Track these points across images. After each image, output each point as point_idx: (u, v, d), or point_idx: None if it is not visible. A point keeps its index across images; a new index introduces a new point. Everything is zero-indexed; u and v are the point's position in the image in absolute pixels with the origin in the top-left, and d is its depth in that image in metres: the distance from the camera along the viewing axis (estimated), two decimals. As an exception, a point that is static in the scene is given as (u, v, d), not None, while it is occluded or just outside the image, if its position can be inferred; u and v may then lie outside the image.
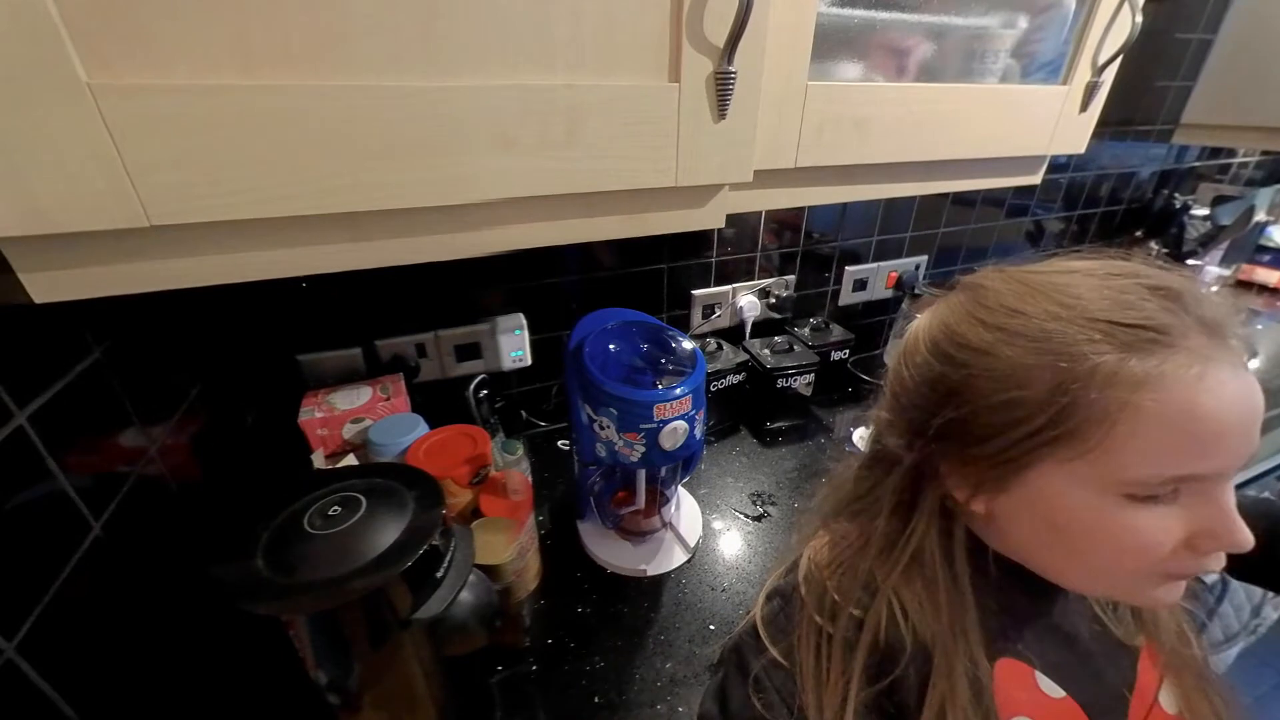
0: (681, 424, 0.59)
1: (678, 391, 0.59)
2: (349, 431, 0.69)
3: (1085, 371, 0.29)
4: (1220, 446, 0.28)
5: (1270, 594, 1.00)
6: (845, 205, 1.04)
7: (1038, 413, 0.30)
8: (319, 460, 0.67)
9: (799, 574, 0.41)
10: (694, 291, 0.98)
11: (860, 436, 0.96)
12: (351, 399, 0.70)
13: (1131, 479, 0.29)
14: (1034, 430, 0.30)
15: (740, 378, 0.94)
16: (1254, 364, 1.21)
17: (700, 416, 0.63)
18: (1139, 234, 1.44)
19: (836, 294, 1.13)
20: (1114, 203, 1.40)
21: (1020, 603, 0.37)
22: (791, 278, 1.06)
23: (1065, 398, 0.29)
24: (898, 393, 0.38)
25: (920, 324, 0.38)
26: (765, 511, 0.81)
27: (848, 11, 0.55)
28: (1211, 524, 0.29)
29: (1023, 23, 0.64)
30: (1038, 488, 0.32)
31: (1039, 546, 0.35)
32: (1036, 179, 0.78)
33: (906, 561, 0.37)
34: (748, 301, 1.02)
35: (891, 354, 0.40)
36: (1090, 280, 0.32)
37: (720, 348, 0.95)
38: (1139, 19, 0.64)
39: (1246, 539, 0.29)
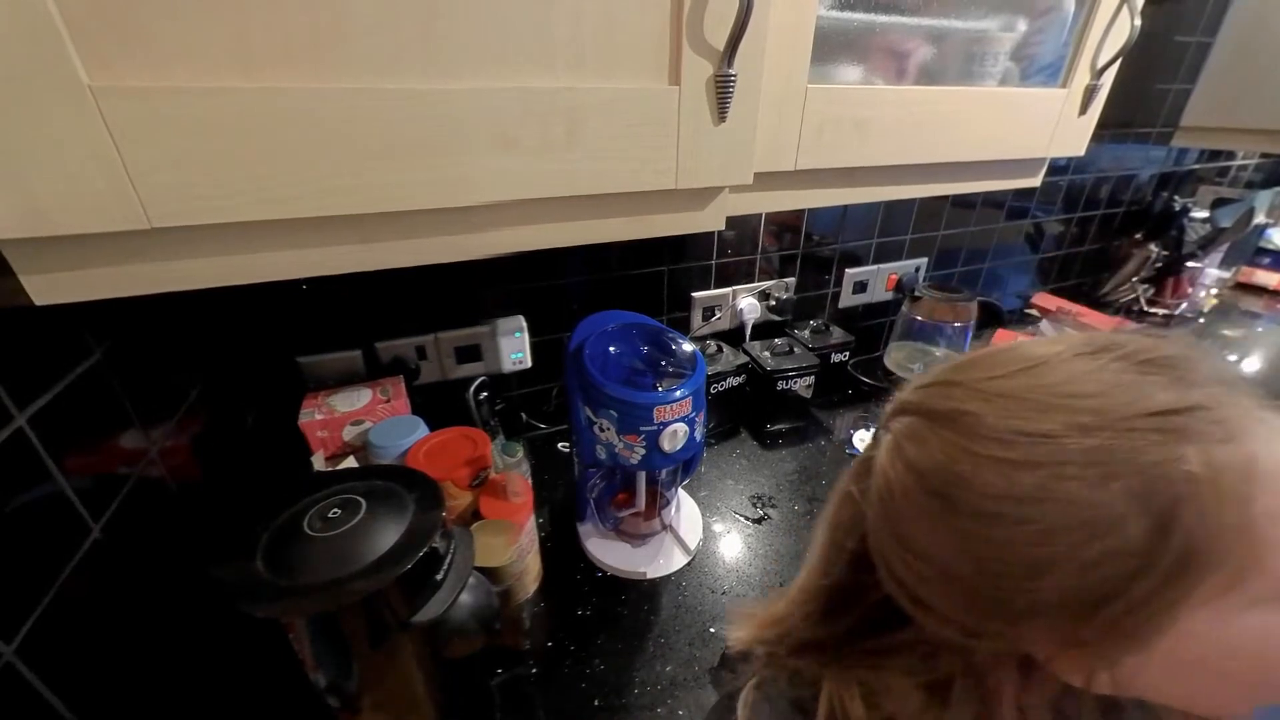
0: (682, 426, 0.59)
1: (678, 394, 0.59)
2: (349, 433, 0.69)
3: (1178, 481, 0.24)
4: None
5: None
6: (845, 207, 1.04)
7: (1153, 558, 0.24)
8: (319, 462, 0.67)
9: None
10: (694, 294, 0.98)
11: (860, 439, 0.96)
12: (351, 401, 0.70)
13: None
14: (1160, 581, 0.24)
15: (740, 380, 0.94)
16: (1252, 367, 1.21)
17: (700, 418, 0.63)
18: (1139, 236, 1.44)
19: (837, 296, 1.13)
20: (1114, 205, 1.40)
21: None
22: (792, 280, 1.06)
23: (1175, 528, 0.24)
24: (910, 569, 0.30)
25: (893, 480, 0.30)
26: (765, 514, 0.81)
27: (847, 14, 0.55)
28: None
29: (1022, 26, 0.65)
30: (1186, 639, 0.25)
31: (1190, 695, 0.28)
32: (1036, 181, 0.78)
33: None
34: (748, 304, 1.02)
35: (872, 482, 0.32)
36: (1076, 368, 0.28)
37: (720, 350, 0.95)
38: (1138, 22, 0.65)
39: None
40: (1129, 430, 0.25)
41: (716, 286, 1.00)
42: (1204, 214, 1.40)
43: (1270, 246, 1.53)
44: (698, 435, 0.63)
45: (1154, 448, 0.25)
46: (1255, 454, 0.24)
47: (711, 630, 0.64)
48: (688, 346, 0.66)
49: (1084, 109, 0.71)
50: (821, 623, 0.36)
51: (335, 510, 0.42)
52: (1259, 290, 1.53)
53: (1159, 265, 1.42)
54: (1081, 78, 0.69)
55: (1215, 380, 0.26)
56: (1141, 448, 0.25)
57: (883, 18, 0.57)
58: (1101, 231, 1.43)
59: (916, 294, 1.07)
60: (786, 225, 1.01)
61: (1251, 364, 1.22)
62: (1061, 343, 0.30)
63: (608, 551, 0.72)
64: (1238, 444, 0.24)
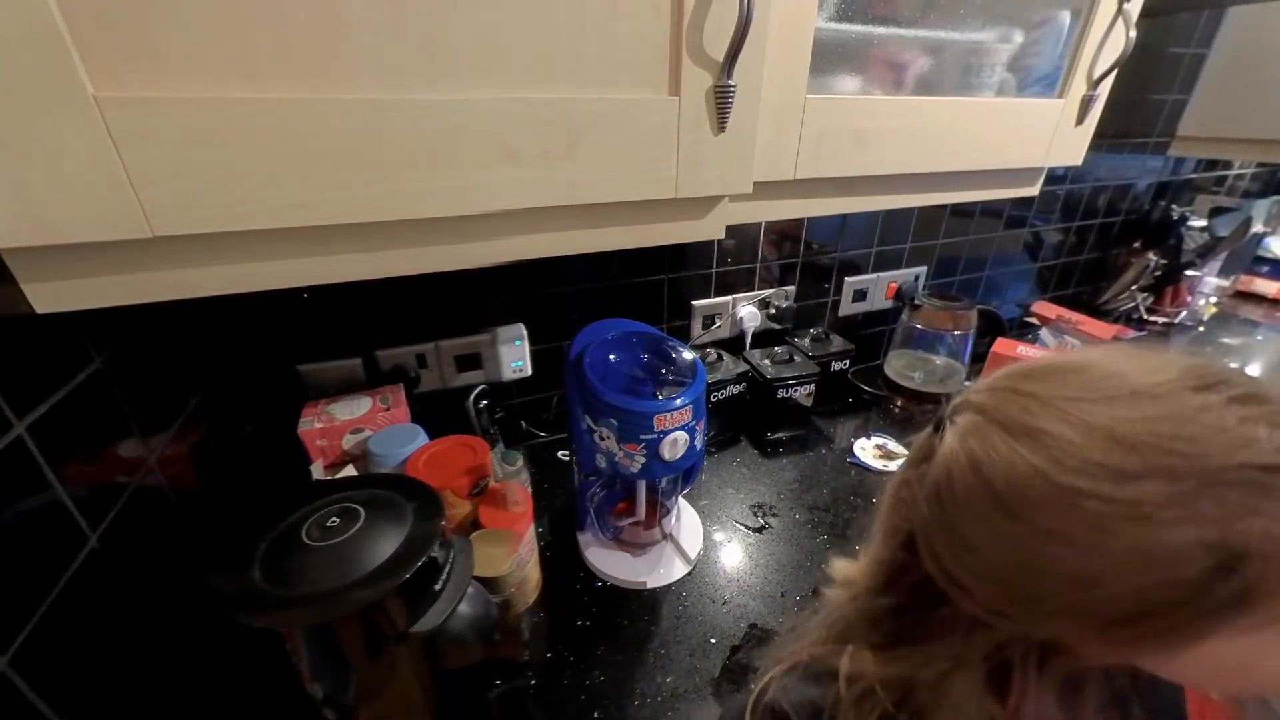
0: (682, 434, 0.59)
1: (678, 402, 0.59)
2: (348, 442, 0.69)
3: (1255, 537, 0.24)
4: None
5: None
6: (845, 216, 1.05)
7: (1207, 594, 0.24)
8: (318, 471, 0.66)
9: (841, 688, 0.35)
10: (694, 302, 0.99)
11: (861, 448, 0.96)
12: (351, 409, 0.70)
13: None
14: (1206, 613, 0.25)
15: (741, 388, 0.94)
16: (1253, 375, 1.20)
17: (700, 427, 0.63)
18: (1137, 245, 1.45)
19: (836, 304, 1.14)
20: (1112, 214, 1.40)
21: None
22: (791, 288, 1.06)
23: (1238, 576, 0.24)
24: (953, 554, 0.31)
25: (955, 474, 0.30)
26: (766, 523, 0.81)
27: (845, 26, 0.56)
28: None
29: (1018, 37, 0.65)
30: (1212, 658, 0.26)
31: (1202, 682, 0.31)
32: (1034, 190, 0.78)
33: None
34: (748, 312, 1.02)
35: (923, 481, 0.32)
36: (1181, 406, 0.26)
37: (720, 358, 0.95)
38: (1133, 34, 0.65)
39: None
40: (1218, 484, 0.25)
41: (716, 295, 1.00)
42: (1202, 223, 1.40)
43: (1268, 255, 1.53)
44: (698, 444, 0.63)
45: (1239, 501, 0.24)
46: None
47: (712, 640, 0.63)
48: (688, 355, 0.66)
49: (1081, 119, 0.72)
50: (880, 594, 0.37)
51: (334, 519, 0.42)
52: (1258, 298, 1.54)
53: (1158, 274, 1.42)
54: (1078, 88, 0.69)
55: None
56: (1227, 500, 0.24)
57: (880, 29, 0.58)
58: (1100, 240, 1.43)
59: (916, 302, 1.07)
60: (786, 234, 1.02)
61: (1251, 373, 1.22)
62: (1168, 369, 0.28)
63: (608, 561, 0.72)
64: None
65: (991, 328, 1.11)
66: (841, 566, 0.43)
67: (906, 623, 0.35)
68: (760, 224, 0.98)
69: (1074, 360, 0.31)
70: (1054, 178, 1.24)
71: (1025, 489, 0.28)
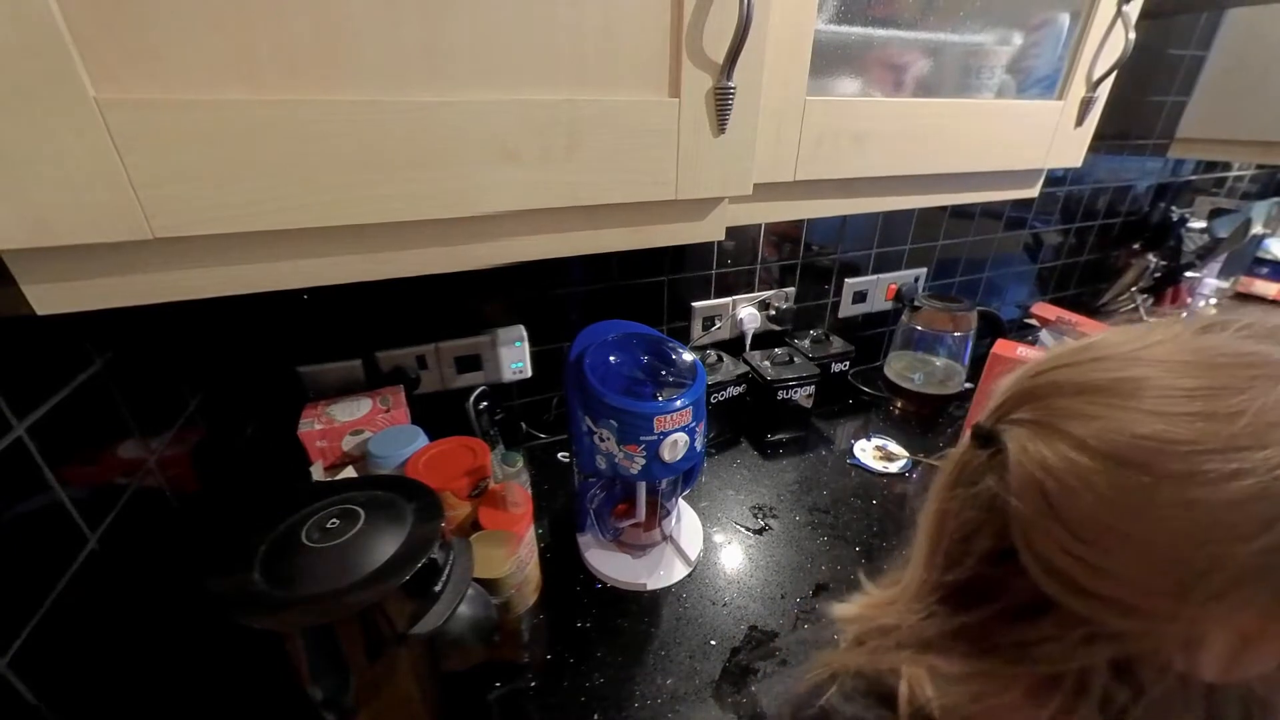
0: (682, 436, 0.59)
1: (678, 403, 0.59)
2: (348, 443, 0.69)
3: None
4: None
5: None
6: (845, 218, 1.05)
7: None
8: (318, 472, 0.66)
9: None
10: (694, 303, 0.99)
11: (861, 449, 0.96)
12: (351, 410, 0.70)
13: None
14: None
15: (741, 390, 0.94)
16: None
17: (701, 428, 0.63)
18: (1137, 246, 1.45)
19: (836, 306, 1.14)
20: (1111, 215, 1.40)
21: None
22: (791, 290, 1.06)
23: None
24: (1080, 560, 0.27)
25: (1060, 468, 0.28)
26: (766, 524, 0.81)
27: (845, 28, 0.56)
28: None
29: (1018, 39, 0.65)
30: None
31: None
32: (1034, 192, 0.78)
33: None
34: (748, 313, 1.02)
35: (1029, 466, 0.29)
36: (1208, 340, 0.28)
37: (720, 360, 0.95)
38: (1132, 35, 0.65)
39: None
40: None
41: (716, 296, 1.00)
42: (1201, 224, 1.40)
43: (1268, 256, 1.53)
44: (698, 445, 0.63)
45: None
46: None
47: (712, 642, 0.63)
48: (688, 356, 0.66)
49: (1080, 121, 0.72)
50: (952, 615, 0.35)
51: (333, 521, 0.42)
52: (1258, 300, 1.53)
53: (1157, 275, 1.42)
54: (1077, 90, 0.70)
55: None
56: None
57: (880, 31, 0.58)
58: (1100, 242, 1.43)
59: (916, 304, 1.07)
60: (786, 235, 1.02)
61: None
62: (1170, 325, 0.30)
63: (608, 562, 0.72)
64: None
65: (991, 329, 1.11)
66: (866, 602, 0.41)
67: (991, 640, 0.32)
68: (760, 225, 0.98)
69: (1085, 343, 0.31)
70: (1053, 179, 1.24)
71: (1145, 435, 0.26)
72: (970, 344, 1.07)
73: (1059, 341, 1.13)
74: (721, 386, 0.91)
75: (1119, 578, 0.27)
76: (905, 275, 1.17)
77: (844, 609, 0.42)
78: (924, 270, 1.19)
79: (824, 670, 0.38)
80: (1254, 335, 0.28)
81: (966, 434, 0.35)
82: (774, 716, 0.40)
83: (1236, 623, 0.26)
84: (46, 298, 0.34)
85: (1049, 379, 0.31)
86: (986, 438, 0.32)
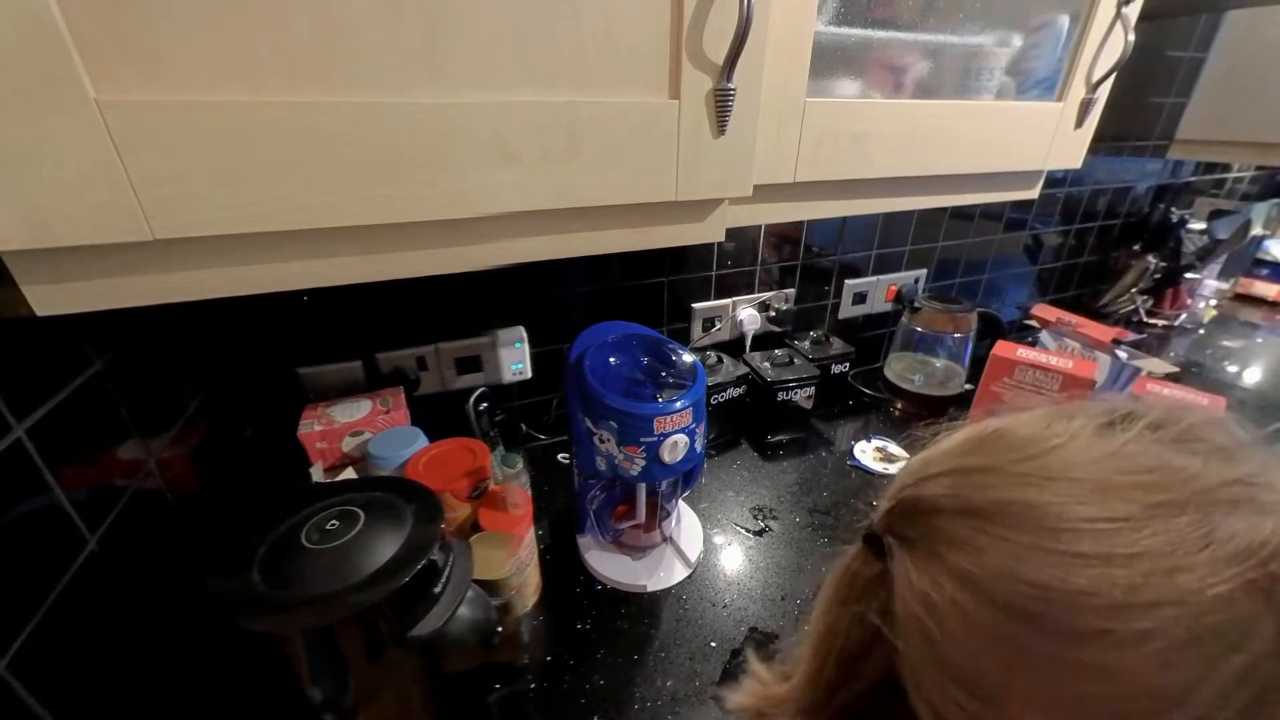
0: (682, 437, 0.59)
1: (678, 405, 0.59)
2: (348, 444, 0.69)
3: None
4: None
5: None
6: (844, 219, 1.05)
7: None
8: (318, 473, 0.66)
9: None
10: (694, 305, 0.99)
11: (861, 450, 0.96)
12: (351, 412, 0.70)
13: None
14: None
15: (741, 391, 0.94)
16: (1254, 378, 1.21)
17: (701, 430, 0.63)
18: (1137, 248, 1.45)
19: (836, 307, 1.14)
20: (1111, 216, 1.41)
21: None
22: (791, 291, 1.06)
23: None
24: (971, 716, 0.24)
25: (942, 605, 0.24)
26: (766, 526, 0.80)
27: (845, 30, 0.56)
28: None
29: (1017, 41, 0.65)
30: None
31: None
32: (1034, 193, 0.78)
33: None
34: (748, 315, 1.02)
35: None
36: (1112, 444, 0.24)
37: (720, 361, 0.95)
38: (1132, 37, 0.65)
39: None
40: (1215, 502, 0.21)
41: (716, 297, 1.00)
42: (1201, 226, 1.40)
43: (1268, 258, 1.53)
44: (698, 446, 0.63)
45: (1245, 519, 0.21)
46: None
47: (712, 644, 0.63)
48: (688, 357, 0.66)
49: (1080, 122, 0.72)
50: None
51: (333, 522, 0.42)
52: (1258, 301, 1.54)
53: (1157, 276, 1.42)
54: (1077, 91, 0.70)
55: (1249, 446, 0.23)
56: (1234, 521, 0.21)
57: (880, 33, 0.58)
58: (1099, 243, 1.43)
59: (916, 305, 1.07)
60: (786, 237, 1.02)
61: (1252, 375, 1.22)
62: (1072, 417, 0.26)
63: (608, 564, 0.72)
64: None
65: (991, 330, 1.11)
66: (755, 690, 0.37)
67: None
68: (760, 227, 0.98)
69: (979, 429, 0.28)
70: (1053, 180, 1.24)
71: (1035, 583, 0.22)
72: (970, 345, 1.07)
73: (1060, 344, 1.13)
74: (721, 388, 0.91)
75: None
76: (905, 276, 1.17)
77: (738, 698, 0.38)
78: (924, 271, 1.19)
79: None
80: (1160, 440, 0.24)
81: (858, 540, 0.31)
82: None
83: None
84: (46, 299, 0.34)
85: (934, 492, 0.27)
86: (876, 546, 0.29)
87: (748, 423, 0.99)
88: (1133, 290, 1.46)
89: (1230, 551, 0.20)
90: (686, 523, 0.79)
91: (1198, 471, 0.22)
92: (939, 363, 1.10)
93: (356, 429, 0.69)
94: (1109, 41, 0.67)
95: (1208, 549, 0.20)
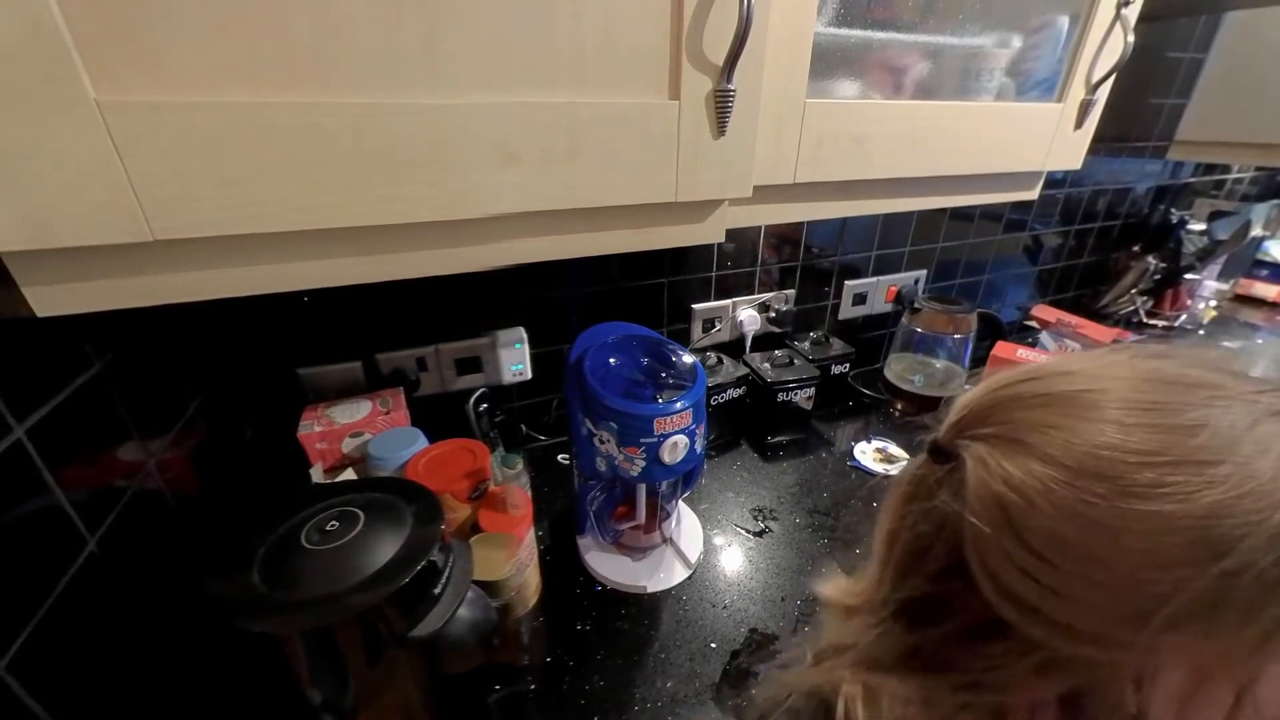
0: (682, 438, 0.59)
1: (678, 405, 0.59)
2: (348, 445, 0.69)
3: None
4: None
5: None
6: (844, 220, 1.05)
7: None
8: (318, 474, 0.66)
9: None
10: (694, 305, 0.99)
11: (862, 451, 0.96)
12: (351, 412, 0.70)
13: None
14: None
15: (741, 392, 0.94)
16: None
17: (701, 430, 0.63)
18: (1136, 248, 1.45)
19: (836, 308, 1.14)
20: (1111, 217, 1.41)
21: None
22: (791, 292, 1.06)
23: None
24: (1035, 581, 0.27)
25: (1021, 482, 0.27)
26: (767, 527, 0.80)
27: (844, 31, 0.56)
28: None
29: (1017, 42, 0.65)
30: None
31: None
32: (1033, 194, 0.78)
33: None
34: (748, 315, 1.02)
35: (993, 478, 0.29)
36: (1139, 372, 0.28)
37: (720, 361, 0.95)
38: (1131, 39, 0.65)
39: None
40: (1258, 393, 0.25)
41: (716, 298, 1.00)
42: (1201, 226, 1.40)
43: (1267, 259, 1.53)
44: (698, 447, 0.63)
45: None
46: None
47: (712, 645, 0.63)
48: (688, 358, 0.66)
49: (1079, 123, 0.72)
50: (905, 634, 0.34)
51: (333, 523, 0.42)
52: (1258, 302, 1.54)
53: (1157, 277, 1.42)
54: (1076, 92, 0.70)
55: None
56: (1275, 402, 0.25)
57: (879, 34, 0.58)
58: (1099, 244, 1.43)
59: (916, 306, 1.07)
60: (786, 237, 1.02)
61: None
62: (1119, 351, 0.30)
63: (607, 565, 0.72)
64: None
65: (991, 331, 1.11)
66: (839, 588, 0.41)
67: (943, 663, 0.32)
68: (760, 227, 0.99)
69: (1040, 363, 0.32)
70: (1053, 181, 1.24)
71: (1106, 445, 0.25)
72: (970, 346, 1.07)
73: (1060, 345, 1.13)
74: (721, 389, 0.91)
75: (1076, 601, 0.26)
76: (905, 277, 1.17)
77: (825, 590, 0.42)
78: (924, 272, 1.19)
79: (781, 690, 0.38)
80: (1200, 366, 0.28)
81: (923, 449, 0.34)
82: None
83: (1193, 656, 0.25)
84: (46, 299, 0.34)
85: (1010, 392, 0.31)
86: (943, 453, 0.32)
87: (748, 424, 0.99)
88: (1133, 291, 1.46)
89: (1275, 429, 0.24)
90: (686, 524, 0.79)
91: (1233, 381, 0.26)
92: (939, 364, 1.10)
93: (356, 430, 0.69)
94: (1108, 42, 0.67)
95: (1261, 423, 0.24)
